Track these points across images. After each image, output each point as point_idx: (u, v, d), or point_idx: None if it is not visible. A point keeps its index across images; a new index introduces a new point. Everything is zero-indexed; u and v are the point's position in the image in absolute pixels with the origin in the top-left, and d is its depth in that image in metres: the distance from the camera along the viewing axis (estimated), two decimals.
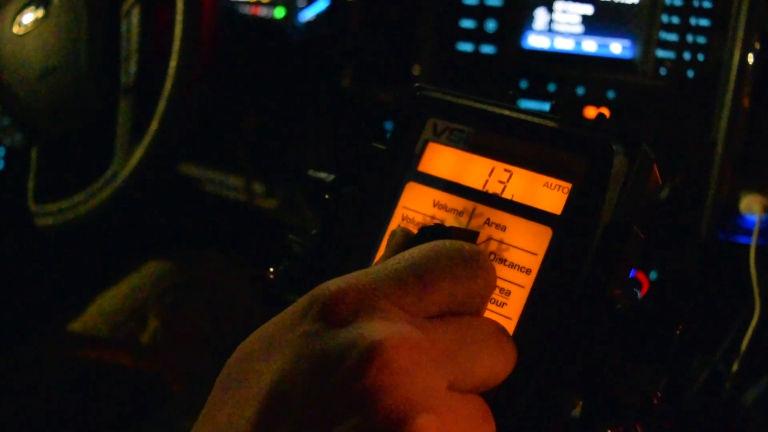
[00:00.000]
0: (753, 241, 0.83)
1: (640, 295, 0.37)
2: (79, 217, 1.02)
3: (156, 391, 0.96)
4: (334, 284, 0.31)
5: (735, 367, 0.85)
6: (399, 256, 0.32)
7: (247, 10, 1.32)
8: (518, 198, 0.38)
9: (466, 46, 1.06)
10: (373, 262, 0.38)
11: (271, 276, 0.46)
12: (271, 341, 0.31)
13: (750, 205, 0.88)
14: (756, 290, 0.83)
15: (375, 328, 0.29)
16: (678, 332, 0.34)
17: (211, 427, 0.30)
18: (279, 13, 1.28)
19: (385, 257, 0.35)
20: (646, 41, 0.94)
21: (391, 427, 0.27)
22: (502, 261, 0.37)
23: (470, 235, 0.37)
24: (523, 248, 0.37)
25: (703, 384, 0.88)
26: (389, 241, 0.37)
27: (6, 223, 1.24)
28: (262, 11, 1.30)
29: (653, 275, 0.88)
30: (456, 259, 0.32)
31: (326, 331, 0.29)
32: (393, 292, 0.31)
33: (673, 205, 0.90)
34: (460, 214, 0.39)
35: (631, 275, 0.37)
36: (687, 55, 0.91)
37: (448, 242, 0.33)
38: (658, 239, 0.90)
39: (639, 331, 0.35)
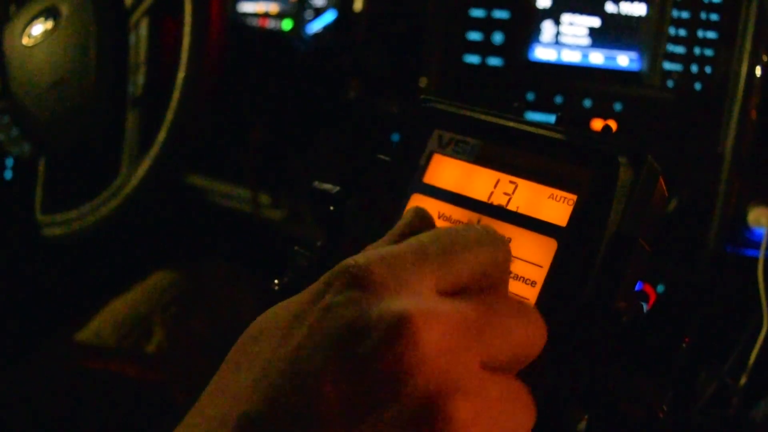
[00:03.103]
0: (761, 254, 0.83)
1: (646, 307, 0.36)
2: (86, 228, 1.02)
3: (161, 401, 0.96)
4: (359, 257, 0.30)
5: (743, 381, 0.84)
6: (419, 235, 0.32)
7: (255, 22, 1.32)
8: (523, 210, 0.38)
9: (473, 59, 1.06)
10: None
11: (276, 287, 0.46)
12: (291, 316, 0.30)
13: (758, 218, 0.87)
14: (764, 303, 0.82)
15: (403, 302, 0.27)
16: (684, 345, 0.34)
17: (221, 399, 0.29)
18: (286, 25, 1.28)
19: (396, 232, 0.34)
20: (653, 54, 0.94)
21: (423, 409, 0.26)
22: None
23: None
24: (528, 260, 0.37)
25: (710, 398, 0.87)
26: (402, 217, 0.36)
27: (13, 233, 1.25)
28: (269, 23, 1.30)
29: (660, 288, 0.88)
30: (474, 232, 0.32)
31: (351, 303, 0.28)
32: (418, 264, 0.30)
33: (681, 217, 0.89)
34: None
35: (638, 288, 0.37)
36: (694, 68, 0.91)
37: (459, 225, 0.33)
38: (665, 252, 0.89)
39: (645, 344, 0.35)
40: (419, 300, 0.28)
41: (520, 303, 0.31)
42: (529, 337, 0.30)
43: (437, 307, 0.28)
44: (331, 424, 0.26)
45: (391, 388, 0.26)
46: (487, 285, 0.31)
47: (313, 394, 0.26)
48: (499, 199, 0.39)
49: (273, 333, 0.30)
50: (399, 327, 0.26)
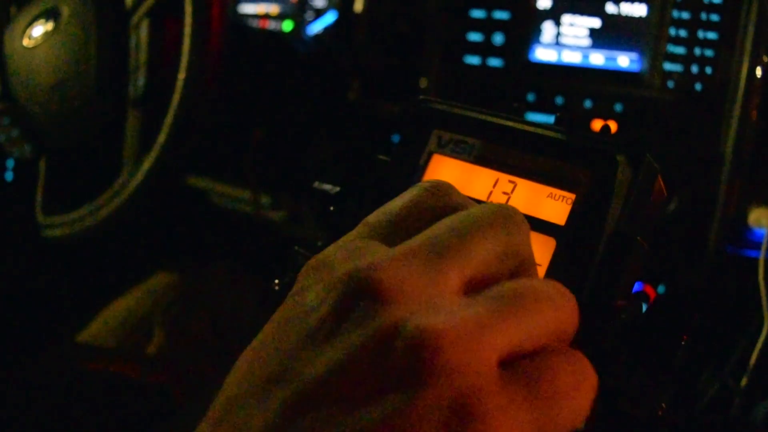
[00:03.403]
0: (762, 255, 0.83)
1: (645, 306, 0.36)
2: (86, 229, 1.02)
3: (161, 402, 0.96)
4: (321, 252, 0.31)
5: (744, 382, 0.84)
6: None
7: (256, 23, 1.32)
8: (522, 209, 0.38)
9: (473, 59, 1.06)
10: None
11: (277, 287, 0.46)
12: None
13: (758, 219, 0.87)
14: (765, 304, 0.82)
15: (354, 263, 0.28)
16: (682, 343, 0.34)
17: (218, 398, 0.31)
18: (287, 26, 1.28)
19: None
20: (654, 54, 0.94)
21: (387, 340, 0.26)
22: None
23: None
24: None
25: (711, 399, 0.87)
26: None
27: (14, 235, 1.25)
28: (270, 24, 1.30)
29: (661, 289, 0.88)
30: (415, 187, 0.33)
31: (313, 284, 0.29)
32: (365, 231, 0.31)
33: (682, 218, 0.89)
34: None
35: (638, 288, 0.37)
36: (695, 69, 0.91)
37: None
38: (666, 253, 0.89)
39: (645, 344, 0.35)
40: (366, 257, 0.28)
41: (491, 210, 0.31)
42: (505, 240, 0.30)
43: (387, 254, 0.28)
44: (300, 385, 0.26)
45: (348, 336, 0.26)
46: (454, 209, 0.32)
47: (284, 363, 0.27)
48: (498, 199, 0.39)
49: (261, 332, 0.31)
50: (347, 282, 0.27)
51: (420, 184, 0.33)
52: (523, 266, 0.31)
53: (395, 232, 0.31)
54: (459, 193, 0.33)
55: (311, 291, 0.29)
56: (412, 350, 0.25)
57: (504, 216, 0.30)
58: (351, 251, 0.30)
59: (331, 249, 0.31)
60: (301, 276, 0.31)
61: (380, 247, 0.30)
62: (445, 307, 0.27)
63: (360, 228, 0.32)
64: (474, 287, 0.29)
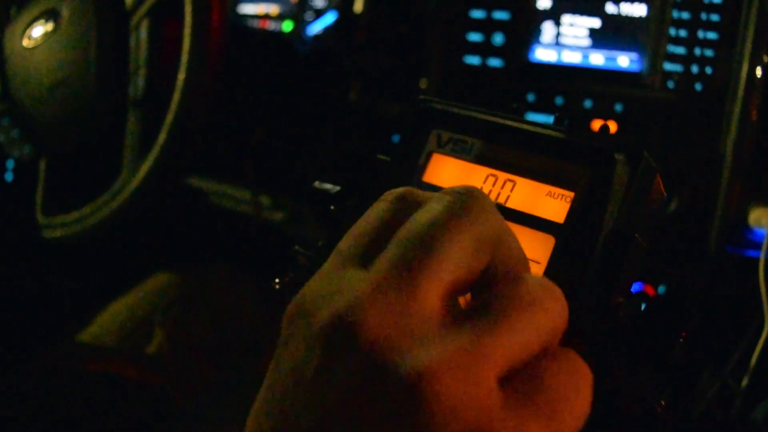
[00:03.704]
0: (762, 255, 0.83)
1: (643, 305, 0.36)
2: (86, 230, 1.02)
3: (161, 403, 0.96)
4: (299, 294, 0.30)
5: (744, 382, 0.84)
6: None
7: (256, 23, 1.33)
8: (521, 207, 0.38)
9: (473, 60, 1.06)
10: None
11: (277, 287, 0.46)
12: None
13: (759, 219, 0.87)
14: (766, 304, 0.82)
15: (336, 304, 0.27)
16: (681, 340, 0.34)
17: None
18: (287, 26, 1.28)
19: None
20: (654, 54, 0.94)
21: (381, 384, 0.25)
22: None
23: None
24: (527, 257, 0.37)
25: (712, 399, 0.87)
26: None
27: (14, 235, 1.25)
28: (270, 25, 1.31)
29: (661, 289, 0.88)
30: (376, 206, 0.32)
31: (298, 334, 0.29)
32: (339, 260, 0.30)
33: (682, 218, 0.89)
34: None
35: (639, 288, 0.37)
36: (695, 69, 0.91)
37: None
38: (666, 253, 0.89)
39: (643, 341, 0.35)
40: (346, 294, 0.28)
41: (459, 206, 0.29)
42: (470, 242, 0.29)
43: (362, 288, 0.27)
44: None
45: (344, 380, 0.26)
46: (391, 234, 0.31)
47: (287, 419, 0.27)
48: (497, 197, 0.39)
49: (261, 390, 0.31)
50: (333, 329, 0.27)
51: (382, 196, 0.32)
52: (500, 248, 0.29)
53: (369, 253, 0.30)
54: (422, 194, 0.32)
55: (298, 341, 0.28)
56: (410, 393, 0.24)
57: (464, 202, 0.29)
58: (328, 288, 0.29)
59: (308, 288, 0.30)
60: (285, 323, 0.30)
61: (355, 276, 0.29)
62: (433, 336, 0.26)
63: (334, 257, 0.31)
64: (457, 291, 0.28)
